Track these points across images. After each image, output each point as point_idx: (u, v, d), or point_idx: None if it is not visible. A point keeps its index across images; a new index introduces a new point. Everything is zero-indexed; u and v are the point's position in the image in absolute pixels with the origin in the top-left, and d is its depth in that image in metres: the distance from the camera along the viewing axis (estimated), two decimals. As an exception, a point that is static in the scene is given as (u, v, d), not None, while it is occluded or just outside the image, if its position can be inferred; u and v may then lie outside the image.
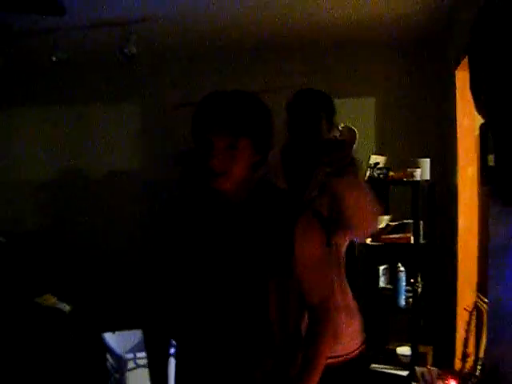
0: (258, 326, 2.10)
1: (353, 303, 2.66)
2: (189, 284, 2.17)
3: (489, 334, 3.53)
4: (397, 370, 4.22)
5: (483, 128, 2.80)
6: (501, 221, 3.14)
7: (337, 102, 5.01)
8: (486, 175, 2.77)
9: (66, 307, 5.12)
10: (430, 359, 4.14)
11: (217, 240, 2.12)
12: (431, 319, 4.42)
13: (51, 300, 5.17)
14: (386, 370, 4.24)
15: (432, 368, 2.48)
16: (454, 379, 2.25)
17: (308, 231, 2.10)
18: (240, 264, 2.08)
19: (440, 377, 2.34)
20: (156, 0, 3.97)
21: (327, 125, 2.82)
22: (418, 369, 2.48)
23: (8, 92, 5.64)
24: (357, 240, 3.13)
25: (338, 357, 2.45)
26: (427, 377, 2.45)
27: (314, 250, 2.12)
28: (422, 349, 4.32)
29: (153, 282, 2.37)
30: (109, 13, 4.16)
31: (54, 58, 4.45)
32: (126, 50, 4.32)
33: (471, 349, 3.78)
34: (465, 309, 3.77)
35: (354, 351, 2.60)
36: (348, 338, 2.58)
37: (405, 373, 4.16)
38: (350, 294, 2.65)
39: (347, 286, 2.67)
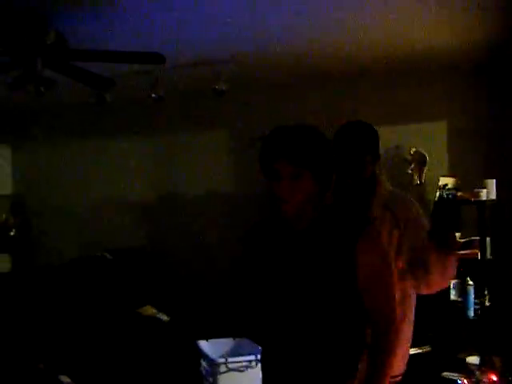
0: (332, 345, 2.19)
1: (409, 332, 2.73)
2: (274, 304, 2.29)
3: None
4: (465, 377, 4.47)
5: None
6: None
7: (410, 127, 5.39)
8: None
9: (164, 317, 5.43)
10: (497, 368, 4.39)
11: (291, 261, 2.24)
12: (499, 330, 4.64)
13: (151, 311, 5.47)
14: (454, 378, 4.49)
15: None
16: (495, 373, 2.55)
17: (370, 245, 2.18)
18: (309, 287, 2.18)
19: (483, 371, 2.64)
20: (242, 41, 4.31)
21: (372, 161, 2.77)
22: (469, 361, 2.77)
23: (111, 123, 6.19)
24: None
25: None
26: (472, 367, 2.75)
27: (376, 264, 2.19)
28: (492, 358, 4.57)
29: (247, 300, 2.60)
30: (201, 54, 4.57)
31: (153, 95, 4.95)
32: (216, 87, 4.80)
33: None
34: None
35: (397, 376, 2.59)
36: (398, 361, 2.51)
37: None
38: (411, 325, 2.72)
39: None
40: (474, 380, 2.61)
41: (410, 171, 5.02)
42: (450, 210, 2.66)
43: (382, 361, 2.18)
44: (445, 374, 4.53)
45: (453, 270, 2.62)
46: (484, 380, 2.57)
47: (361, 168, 2.75)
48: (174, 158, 6.13)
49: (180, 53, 4.48)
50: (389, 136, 5.42)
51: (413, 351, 4.44)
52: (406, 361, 2.71)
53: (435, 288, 2.69)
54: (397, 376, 2.52)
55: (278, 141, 2.18)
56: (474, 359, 4.63)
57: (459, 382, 2.64)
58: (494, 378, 2.49)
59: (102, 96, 5.10)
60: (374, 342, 2.21)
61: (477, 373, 2.71)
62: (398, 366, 2.53)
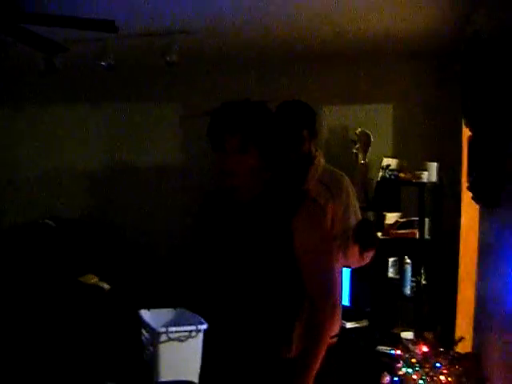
0: (273, 315, 2.26)
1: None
2: (219, 274, 2.40)
3: (474, 322, 3.95)
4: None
5: (469, 140, 3.24)
6: (486, 221, 3.56)
7: (357, 107, 5.50)
8: (470, 180, 3.20)
9: (106, 286, 5.43)
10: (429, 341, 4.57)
11: (236, 232, 2.33)
12: (434, 307, 4.82)
13: (93, 279, 5.48)
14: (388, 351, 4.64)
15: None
16: (426, 346, 2.68)
17: (307, 220, 2.22)
18: (252, 256, 2.26)
19: (415, 343, 2.78)
20: (195, 13, 4.28)
21: (310, 137, 2.98)
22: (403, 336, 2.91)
23: (59, 91, 6.07)
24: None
25: None
26: (406, 342, 2.89)
27: (314, 239, 2.23)
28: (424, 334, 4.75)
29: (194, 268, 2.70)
30: (154, 24, 4.53)
31: (103, 64, 4.88)
32: (168, 59, 4.77)
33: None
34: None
35: (333, 337, 2.68)
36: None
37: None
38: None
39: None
40: (406, 352, 2.72)
41: (354, 151, 5.12)
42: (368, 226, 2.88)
43: (318, 334, 2.22)
44: (379, 347, 4.71)
45: (369, 259, 2.92)
46: (416, 351, 2.69)
47: (298, 142, 2.95)
48: (124, 129, 6.09)
49: (133, 22, 4.41)
50: (335, 116, 5.56)
51: (350, 325, 4.67)
52: (339, 323, 2.86)
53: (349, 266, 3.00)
54: (332, 337, 2.61)
55: (227, 115, 2.24)
56: (408, 334, 4.82)
57: (392, 352, 2.75)
58: (425, 349, 2.62)
59: (52, 63, 5.01)
60: (311, 315, 2.25)
61: (410, 346, 2.82)
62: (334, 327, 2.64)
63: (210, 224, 2.50)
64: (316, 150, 3.09)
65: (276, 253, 2.23)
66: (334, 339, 2.71)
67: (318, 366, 2.21)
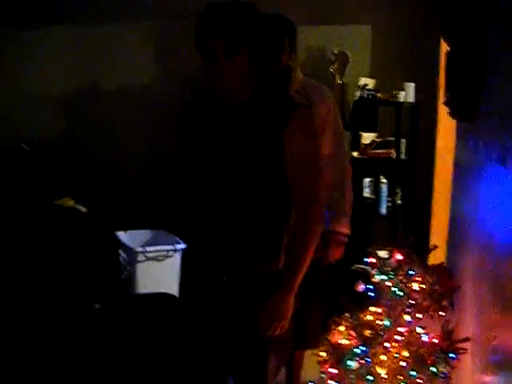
0: (258, 225, 2.27)
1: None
2: (204, 184, 2.36)
3: (447, 238, 4.03)
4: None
5: (447, 55, 3.22)
6: (461, 139, 3.59)
7: (334, 28, 5.42)
8: (448, 95, 3.21)
9: (83, 209, 5.35)
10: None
11: (223, 137, 2.28)
12: (409, 226, 4.91)
13: (69, 202, 5.39)
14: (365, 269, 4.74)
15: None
16: (400, 253, 2.74)
17: (302, 127, 2.21)
18: (238, 158, 2.24)
19: (390, 252, 2.84)
20: None
21: (289, 48, 3.03)
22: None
23: (27, 9, 5.74)
24: None
25: None
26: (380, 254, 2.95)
27: (304, 148, 2.22)
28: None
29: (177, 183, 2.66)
30: None
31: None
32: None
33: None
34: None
35: None
36: None
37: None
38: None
39: None
40: (380, 260, 2.78)
41: (332, 70, 5.07)
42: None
43: (306, 242, 2.26)
44: (355, 265, 4.79)
45: None
46: (390, 261, 2.75)
47: (279, 49, 2.98)
48: (97, 50, 5.91)
49: None
50: (312, 37, 5.48)
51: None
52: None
53: None
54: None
55: (214, 16, 2.15)
56: (384, 253, 4.91)
57: (366, 260, 2.82)
58: (400, 256, 2.68)
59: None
60: (298, 223, 2.27)
61: (383, 254, 2.89)
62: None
63: (192, 128, 2.42)
64: (295, 66, 3.11)
65: (265, 160, 2.22)
66: None
67: (303, 274, 2.26)
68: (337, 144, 3.24)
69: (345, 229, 3.52)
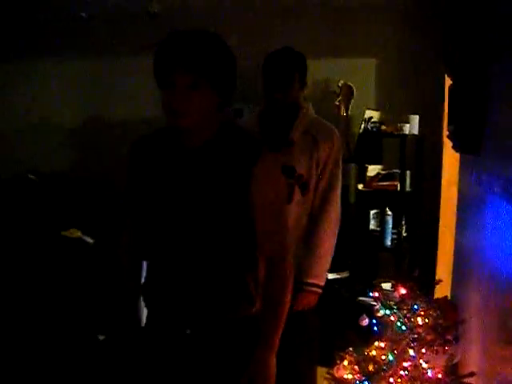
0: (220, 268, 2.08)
1: None
2: (160, 219, 2.13)
3: (452, 271, 4.02)
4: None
5: (449, 88, 3.25)
6: (465, 172, 3.59)
7: (340, 61, 5.47)
8: (450, 129, 3.23)
9: (90, 240, 5.41)
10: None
11: (182, 180, 2.08)
12: (414, 259, 4.89)
13: (76, 233, 5.43)
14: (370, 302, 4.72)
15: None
16: (404, 287, 2.74)
17: (269, 171, 2.06)
18: (201, 203, 2.05)
19: (394, 286, 2.83)
20: None
21: (300, 83, 2.97)
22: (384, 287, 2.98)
23: (41, 43, 5.91)
24: None
25: None
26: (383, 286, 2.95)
27: (272, 194, 2.07)
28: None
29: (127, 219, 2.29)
30: None
31: (83, 15, 4.82)
32: (149, 9, 4.70)
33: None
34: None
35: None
36: None
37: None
38: None
39: None
40: (384, 294, 2.78)
41: (337, 103, 5.11)
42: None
43: (283, 292, 2.13)
44: (360, 298, 4.77)
45: None
46: (394, 294, 2.75)
47: (288, 83, 2.89)
48: (102, 82, 6.01)
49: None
50: (319, 69, 5.51)
51: (332, 276, 4.72)
52: None
53: None
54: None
55: (174, 46, 1.98)
56: (388, 285, 4.90)
57: (371, 294, 2.81)
58: (403, 291, 2.67)
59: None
60: (270, 273, 2.13)
61: (387, 288, 2.89)
62: None
63: (143, 166, 2.19)
64: (305, 100, 3.08)
65: (228, 203, 2.05)
66: None
67: (283, 324, 2.12)
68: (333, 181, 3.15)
69: (316, 280, 3.20)
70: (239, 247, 2.10)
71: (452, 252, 4.23)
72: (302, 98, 3.07)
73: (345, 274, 4.86)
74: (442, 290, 4.20)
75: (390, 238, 4.82)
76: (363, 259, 4.96)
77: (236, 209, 2.05)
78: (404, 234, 4.82)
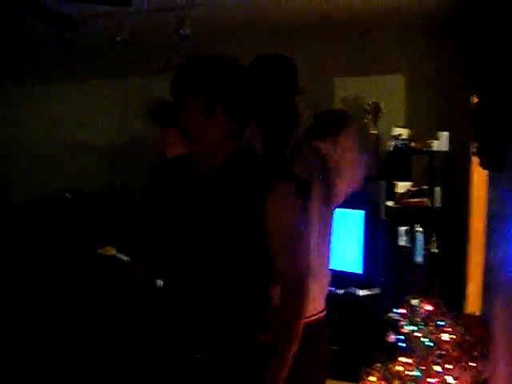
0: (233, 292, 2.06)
1: (318, 266, 2.40)
2: (173, 245, 2.13)
3: (482, 287, 4.01)
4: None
5: (474, 105, 3.25)
6: (493, 188, 3.61)
7: (369, 78, 5.51)
8: (476, 146, 3.23)
9: (124, 257, 5.44)
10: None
11: (193, 206, 2.07)
12: (445, 275, 4.89)
13: (111, 251, 5.53)
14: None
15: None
16: (430, 304, 2.76)
17: (281, 201, 2.00)
18: (215, 227, 2.03)
19: (421, 302, 2.85)
20: None
21: (290, 90, 2.69)
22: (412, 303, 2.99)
23: (79, 66, 6.16)
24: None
25: None
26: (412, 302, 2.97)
27: (288, 222, 2.02)
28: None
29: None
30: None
31: (118, 39, 4.93)
32: (181, 32, 4.79)
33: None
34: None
35: (321, 312, 2.49)
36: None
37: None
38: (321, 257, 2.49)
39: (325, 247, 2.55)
40: (410, 311, 2.81)
41: (366, 121, 5.16)
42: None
43: (288, 333, 2.04)
44: (390, 315, 4.78)
45: None
46: (420, 310, 2.78)
47: (274, 95, 2.61)
48: (137, 102, 6.14)
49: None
50: (349, 87, 5.59)
51: (363, 293, 4.75)
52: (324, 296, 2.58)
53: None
54: (320, 312, 2.47)
55: (191, 71, 1.96)
56: (416, 302, 4.89)
57: (396, 310, 2.84)
58: (429, 307, 2.70)
59: (67, 38, 5.06)
60: (284, 300, 2.06)
61: (414, 304, 2.92)
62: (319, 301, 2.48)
63: (159, 194, 2.19)
64: (303, 109, 2.91)
65: (244, 232, 2.02)
66: (321, 314, 2.49)
67: (290, 362, 2.01)
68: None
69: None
70: (252, 273, 2.06)
71: (482, 268, 4.24)
72: (299, 105, 2.79)
73: (376, 291, 4.87)
74: (474, 307, 4.21)
75: (420, 255, 4.82)
76: (393, 276, 4.97)
77: (248, 236, 2.02)
78: (434, 250, 4.82)
